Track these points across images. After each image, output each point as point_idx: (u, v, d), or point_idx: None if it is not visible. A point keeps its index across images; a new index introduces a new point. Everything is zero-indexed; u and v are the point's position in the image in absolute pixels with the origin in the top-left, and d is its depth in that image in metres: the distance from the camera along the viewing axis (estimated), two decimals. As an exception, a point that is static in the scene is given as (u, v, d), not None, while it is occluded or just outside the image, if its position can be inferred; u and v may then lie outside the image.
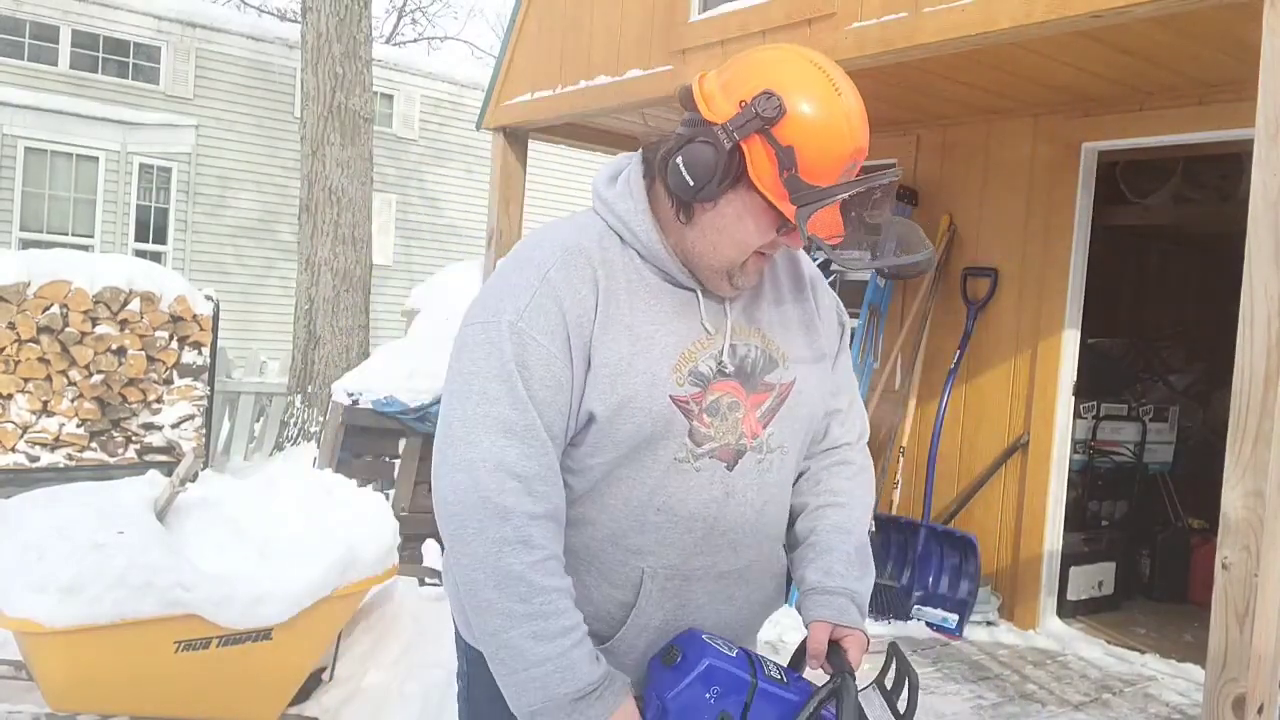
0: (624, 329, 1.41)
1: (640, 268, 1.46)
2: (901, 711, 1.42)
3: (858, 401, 1.71)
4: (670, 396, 1.41)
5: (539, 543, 1.35)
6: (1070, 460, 5.07)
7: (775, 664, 1.44)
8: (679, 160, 1.37)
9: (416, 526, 5.55)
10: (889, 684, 1.45)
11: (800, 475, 1.63)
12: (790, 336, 1.55)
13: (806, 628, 1.51)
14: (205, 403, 6.14)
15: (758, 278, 1.49)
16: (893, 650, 1.48)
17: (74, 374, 5.52)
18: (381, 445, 5.79)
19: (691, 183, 1.37)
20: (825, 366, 1.59)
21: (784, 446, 1.52)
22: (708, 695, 1.32)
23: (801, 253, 1.62)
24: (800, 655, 1.53)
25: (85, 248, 11.62)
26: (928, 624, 4.79)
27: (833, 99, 1.40)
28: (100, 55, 12.56)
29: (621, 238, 1.47)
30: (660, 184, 1.45)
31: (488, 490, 1.34)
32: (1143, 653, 4.64)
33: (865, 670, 1.44)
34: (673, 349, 1.42)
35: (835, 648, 1.46)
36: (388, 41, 24.06)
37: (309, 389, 7.89)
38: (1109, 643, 4.78)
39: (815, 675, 1.48)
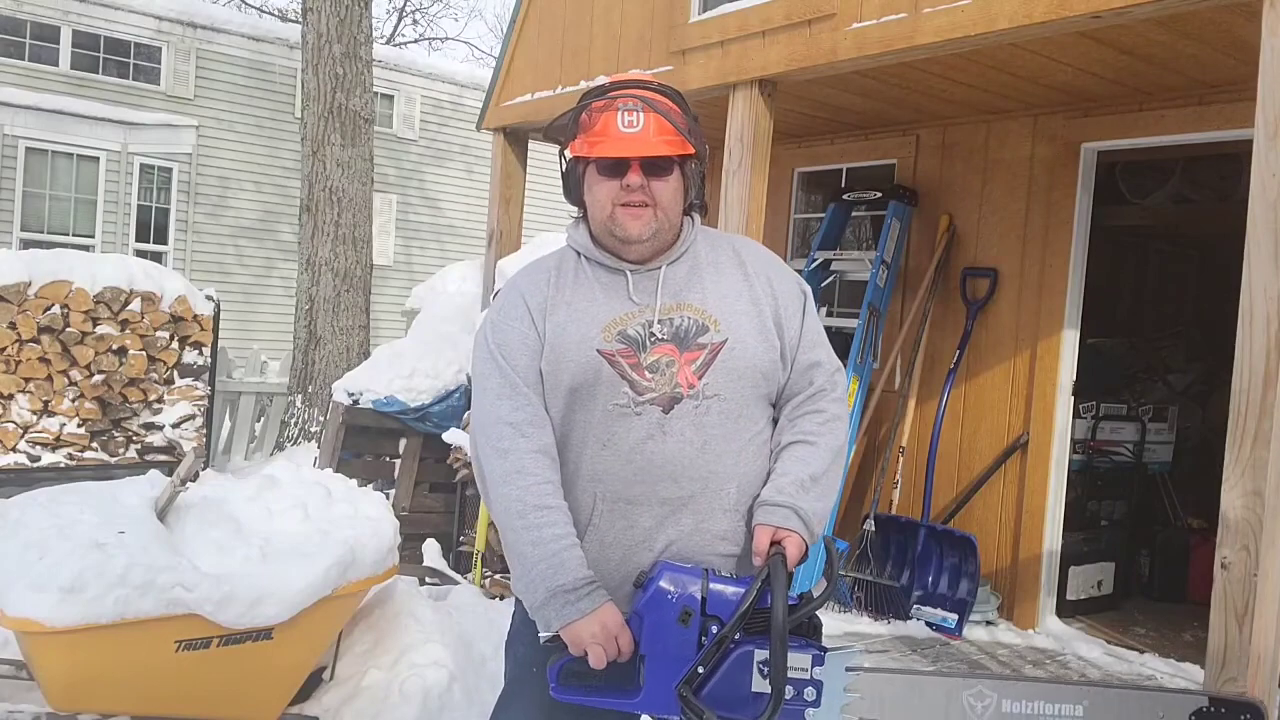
0: (565, 306, 1.88)
1: (586, 266, 1.93)
2: (830, 577, 1.80)
3: (834, 356, 1.98)
4: (597, 350, 1.82)
5: (532, 471, 1.81)
6: (1070, 460, 5.07)
7: (727, 572, 1.77)
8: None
9: (417, 526, 5.56)
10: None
11: (780, 423, 1.93)
12: (727, 305, 1.89)
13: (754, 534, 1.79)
14: (206, 403, 6.14)
15: (639, 228, 1.83)
16: (825, 542, 1.84)
17: (75, 374, 5.52)
18: (382, 445, 5.79)
19: (563, 185, 1.96)
20: (764, 328, 1.89)
21: (721, 395, 1.83)
22: (670, 597, 1.67)
23: (745, 249, 1.99)
24: None
25: (86, 248, 11.62)
26: (927, 623, 4.80)
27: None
28: (101, 55, 12.56)
29: (576, 251, 1.95)
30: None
31: (492, 438, 1.84)
32: (1142, 652, 4.64)
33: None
34: (603, 317, 1.85)
35: (775, 545, 1.74)
36: (388, 42, 24.07)
37: (309, 389, 7.90)
38: (1108, 642, 4.78)
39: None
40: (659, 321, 1.84)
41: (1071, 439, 5.07)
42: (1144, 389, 6.41)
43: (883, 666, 3.15)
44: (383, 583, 3.46)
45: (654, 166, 1.83)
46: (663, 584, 1.68)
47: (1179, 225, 6.64)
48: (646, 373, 1.82)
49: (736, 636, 1.65)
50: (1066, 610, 5.07)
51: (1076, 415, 5.14)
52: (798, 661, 1.66)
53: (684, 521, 1.82)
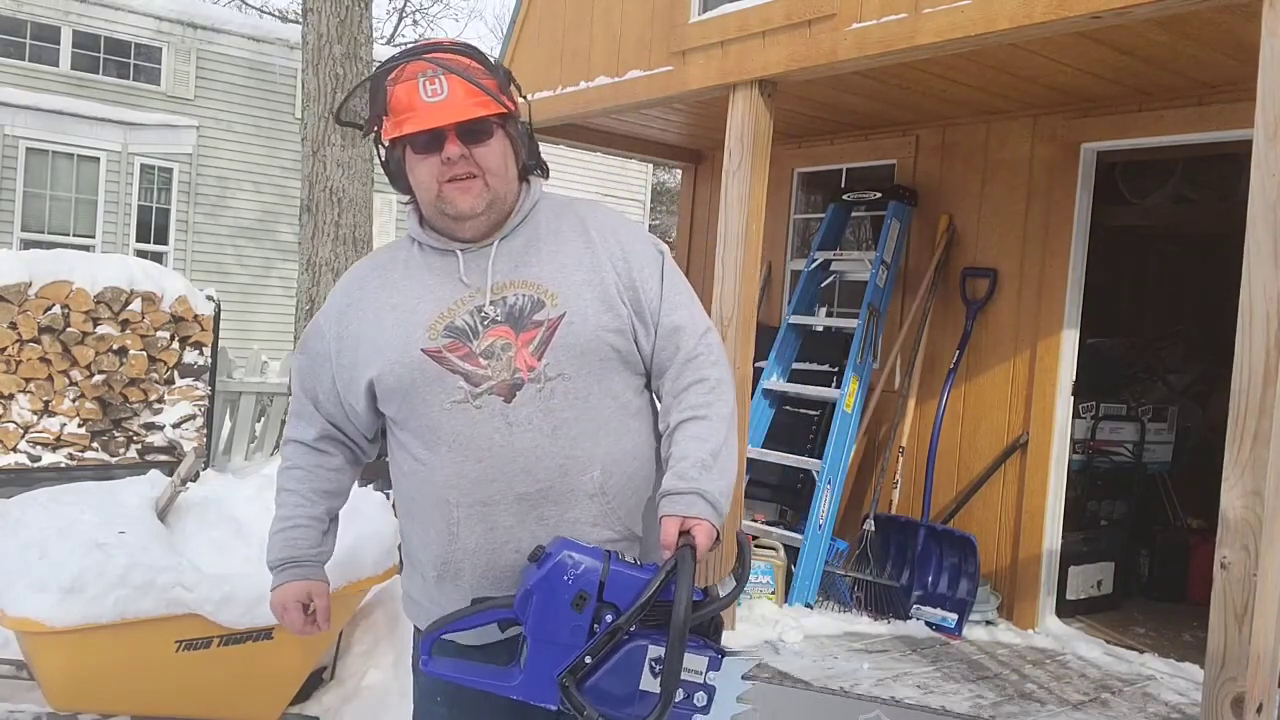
0: (389, 309, 1.75)
1: (417, 254, 1.80)
2: (739, 576, 1.63)
3: (703, 316, 1.83)
4: (421, 350, 1.70)
5: (289, 457, 1.89)
6: (1069, 460, 5.07)
7: (631, 557, 1.67)
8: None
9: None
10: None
11: (663, 401, 1.80)
12: (565, 276, 1.74)
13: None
14: (206, 403, 6.14)
15: (470, 201, 1.70)
16: (737, 539, 1.70)
17: (75, 374, 5.52)
18: (381, 445, 5.78)
19: (386, 175, 1.85)
20: (606, 296, 1.74)
21: (565, 374, 1.69)
22: (565, 578, 1.54)
23: (591, 213, 1.84)
24: None
25: (86, 248, 11.62)
26: (927, 623, 4.80)
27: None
28: (101, 56, 12.56)
29: (410, 237, 1.83)
30: None
31: (284, 457, 1.92)
32: (1142, 652, 4.64)
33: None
34: (430, 313, 1.72)
35: (685, 536, 1.61)
36: (388, 42, 24.07)
37: (309, 389, 7.89)
38: (1108, 642, 4.78)
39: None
40: (491, 303, 1.71)
41: (1071, 439, 5.07)
42: (1144, 389, 6.41)
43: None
44: (383, 583, 3.46)
45: (471, 132, 1.67)
46: (560, 561, 1.55)
47: (1179, 225, 6.64)
48: (481, 360, 1.68)
49: (632, 629, 1.53)
50: (1066, 610, 5.07)
51: (1076, 415, 5.14)
52: (693, 663, 1.54)
53: (547, 515, 1.68)
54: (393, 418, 1.78)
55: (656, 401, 1.85)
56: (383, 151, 1.78)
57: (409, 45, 1.76)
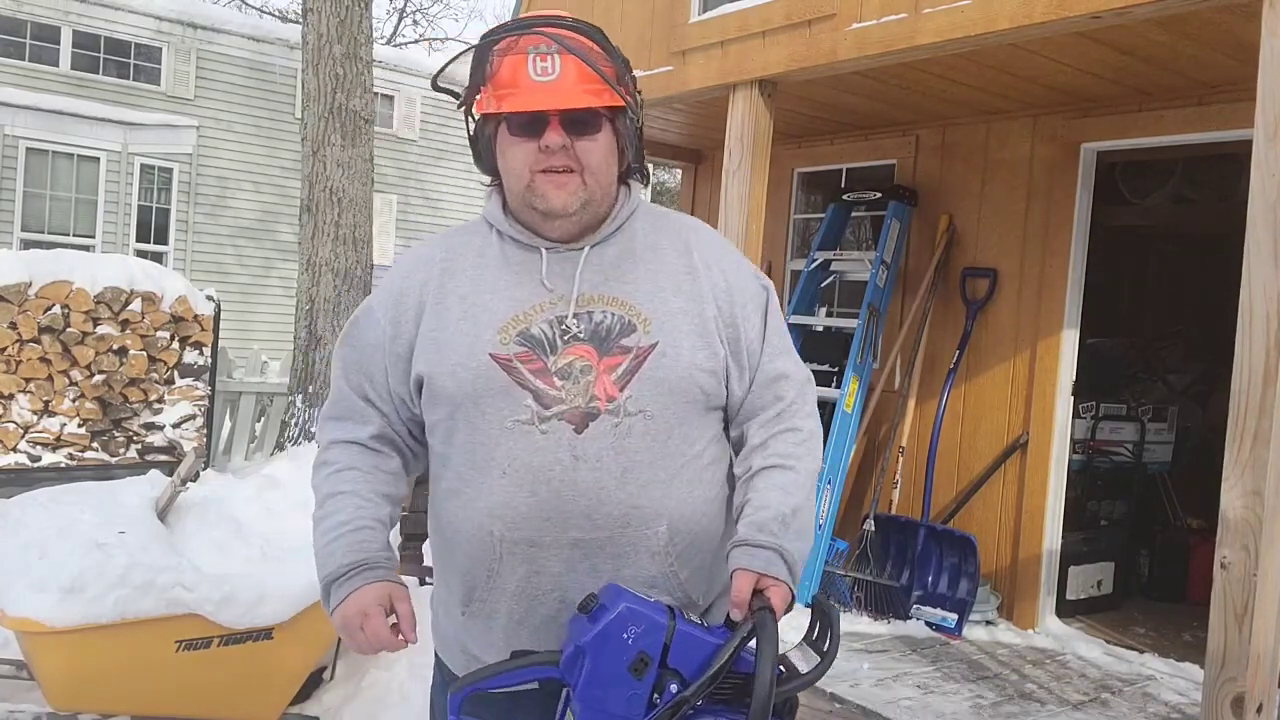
0: (457, 299, 1.54)
1: (495, 243, 1.58)
2: (824, 651, 1.41)
3: (801, 365, 1.67)
4: (490, 354, 1.48)
5: (334, 460, 1.59)
6: (1069, 460, 5.07)
7: (696, 615, 1.44)
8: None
9: (417, 526, 5.55)
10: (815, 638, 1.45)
11: (747, 444, 1.60)
12: (661, 301, 1.53)
13: (731, 578, 1.45)
14: (206, 403, 6.15)
15: (564, 198, 1.50)
16: (816, 605, 1.49)
17: (75, 374, 5.52)
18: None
19: (472, 152, 1.63)
20: (705, 331, 1.54)
21: (647, 410, 1.48)
22: (625, 636, 1.31)
23: (696, 234, 1.65)
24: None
25: (86, 248, 11.62)
26: (927, 623, 4.80)
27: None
28: (101, 56, 12.56)
29: (488, 224, 1.61)
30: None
31: (318, 460, 1.64)
32: (1142, 652, 4.64)
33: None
34: (503, 313, 1.51)
35: (759, 595, 1.42)
36: (388, 42, 24.07)
37: (310, 389, 7.88)
38: (1108, 642, 4.78)
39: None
40: (574, 315, 1.49)
41: (1071, 439, 5.07)
42: (1144, 389, 6.41)
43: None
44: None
45: (578, 122, 1.48)
46: (619, 616, 1.31)
47: (1179, 225, 6.64)
48: (556, 379, 1.47)
49: (698, 702, 1.31)
50: (1066, 610, 5.07)
51: (1076, 415, 5.14)
52: None
53: (601, 567, 1.47)
54: (438, 425, 1.55)
55: (731, 451, 1.65)
56: (472, 125, 1.58)
57: (529, 17, 1.53)
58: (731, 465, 1.63)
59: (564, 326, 1.49)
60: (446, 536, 1.57)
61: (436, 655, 1.69)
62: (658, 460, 1.49)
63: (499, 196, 1.60)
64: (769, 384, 1.60)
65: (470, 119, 1.58)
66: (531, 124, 1.48)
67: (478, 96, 1.52)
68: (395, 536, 3.49)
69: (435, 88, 1.66)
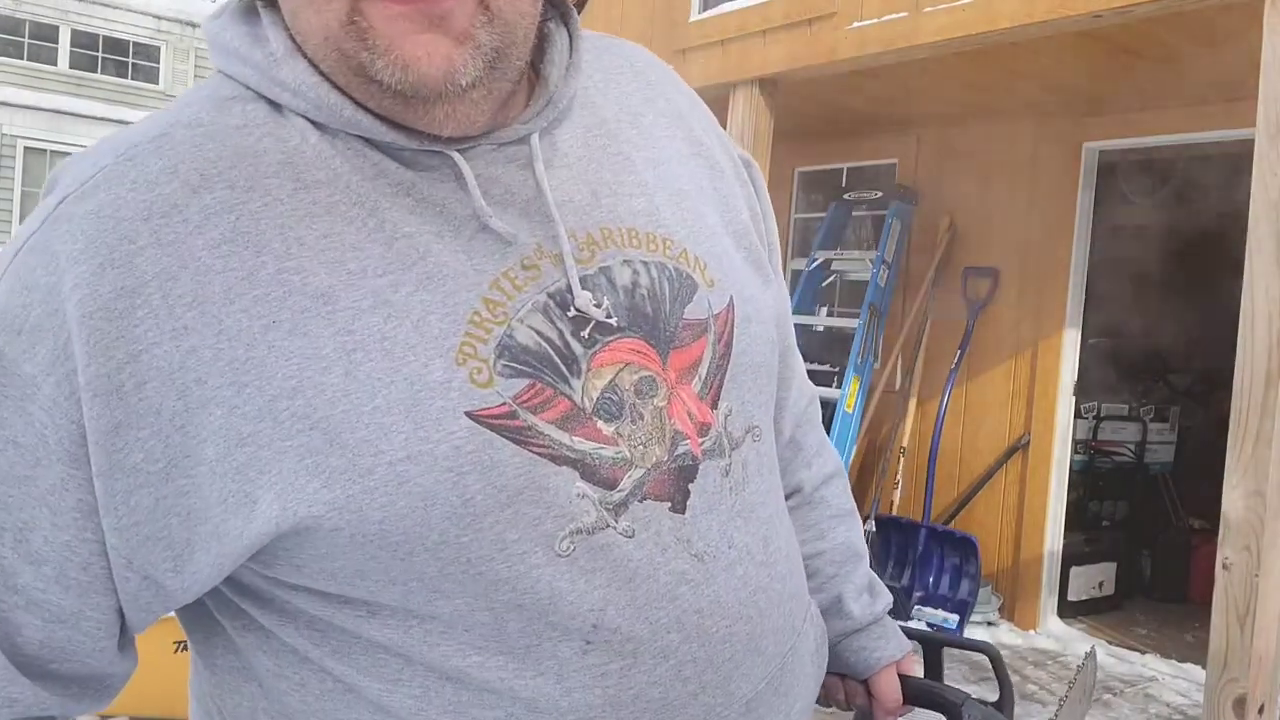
0: (321, 305, 0.65)
1: (333, 156, 0.68)
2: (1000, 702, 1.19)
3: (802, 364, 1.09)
4: (466, 413, 0.65)
5: None
6: (1071, 460, 5.07)
7: None
8: None
9: None
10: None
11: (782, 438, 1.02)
12: (697, 217, 0.82)
13: (862, 680, 1.04)
14: (205, 403, 6.16)
15: (442, 59, 0.64)
16: (994, 661, 1.22)
17: (74, 374, 5.53)
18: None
19: None
20: (754, 257, 0.89)
21: (757, 426, 0.81)
22: None
23: (668, 82, 0.93)
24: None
25: (85, 248, 11.64)
26: (928, 624, 4.79)
27: None
28: (100, 55, 12.57)
29: (303, 116, 0.68)
30: None
31: None
32: (1143, 653, 4.63)
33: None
34: (448, 310, 0.68)
35: (910, 682, 1.09)
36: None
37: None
38: (1110, 643, 4.77)
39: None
40: (584, 281, 0.72)
41: (1073, 439, 5.07)
42: (1145, 389, 6.40)
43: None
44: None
45: None
46: None
47: (1179, 225, 6.62)
48: (601, 424, 0.70)
49: None
50: (1068, 611, 5.06)
51: (1078, 415, 5.14)
52: None
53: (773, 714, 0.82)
54: (343, 596, 0.70)
55: None
56: None
57: None
58: None
59: (576, 310, 0.71)
60: None
61: None
62: (777, 507, 0.86)
63: (283, 37, 0.68)
64: (784, 358, 0.98)
65: None
66: None
67: None
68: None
69: None
